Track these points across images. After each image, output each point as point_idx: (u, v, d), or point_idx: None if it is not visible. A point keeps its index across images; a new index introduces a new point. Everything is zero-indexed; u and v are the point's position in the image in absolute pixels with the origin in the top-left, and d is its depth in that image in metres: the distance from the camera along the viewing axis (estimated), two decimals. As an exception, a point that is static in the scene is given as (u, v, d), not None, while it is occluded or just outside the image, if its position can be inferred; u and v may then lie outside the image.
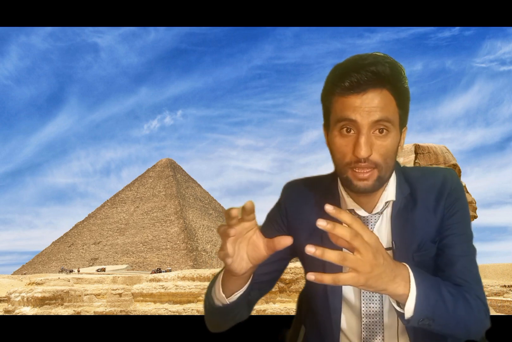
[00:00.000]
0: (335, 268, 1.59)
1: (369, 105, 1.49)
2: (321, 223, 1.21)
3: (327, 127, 1.63)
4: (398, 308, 1.41)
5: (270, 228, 1.79)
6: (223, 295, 1.56)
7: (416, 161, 26.98)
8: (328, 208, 1.24)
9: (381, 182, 1.57)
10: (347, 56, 1.58)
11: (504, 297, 42.37)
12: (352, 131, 1.52)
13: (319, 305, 1.72)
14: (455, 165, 31.10)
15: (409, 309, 1.37)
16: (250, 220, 1.37)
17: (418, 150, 27.94)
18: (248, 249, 1.44)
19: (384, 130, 1.52)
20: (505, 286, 45.06)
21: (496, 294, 43.68)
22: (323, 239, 1.66)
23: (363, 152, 1.48)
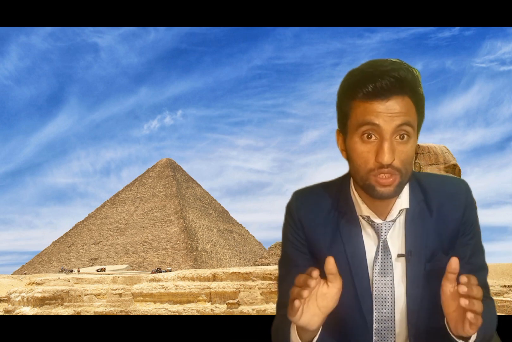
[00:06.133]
0: (363, 280, 1.65)
1: (392, 111, 1.49)
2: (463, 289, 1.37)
3: (343, 132, 1.62)
4: (455, 338, 1.53)
5: (290, 248, 1.75)
6: None
7: (416, 161, 26.98)
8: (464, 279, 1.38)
9: (401, 188, 1.57)
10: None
11: (504, 297, 42.37)
12: (373, 137, 1.52)
13: (347, 308, 1.67)
14: (455, 165, 31.08)
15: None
16: (332, 281, 1.45)
17: (418, 150, 27.95)
18: (318, 301, 1.46)
19: (405, 136, 1.52)
20: (505, 286, 45.05)
21: (496, 294, 43.70)
22: (345, 247, 1.67)
23: (386, 158, 1.48)
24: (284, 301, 1.71)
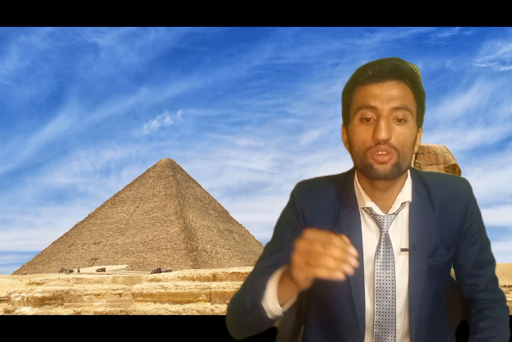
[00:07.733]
0: (358, 274, 1.65)
1: (388, 93, 1.56)
2: None
3: (346, 123, 1.67)
4: None
5: (287, 230, 1.75)
6: (279, 307, 1.51)
7: (416, 161, 26.98)
8: None
9: (398, 170, 1.59)
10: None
11: (504, 297, 42.35)
12: (372, 120, 1.57)
13: (339, 303, 1.69)
14: (455, 165, 31.08)
15: None
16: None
17: (418, 150, 27.91)
18: None
19: (402, 119, 1.57)
20: (505, 286, 45.07)
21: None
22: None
23: (383, 134, 1.53)
24: (259, 272, 1.66)
